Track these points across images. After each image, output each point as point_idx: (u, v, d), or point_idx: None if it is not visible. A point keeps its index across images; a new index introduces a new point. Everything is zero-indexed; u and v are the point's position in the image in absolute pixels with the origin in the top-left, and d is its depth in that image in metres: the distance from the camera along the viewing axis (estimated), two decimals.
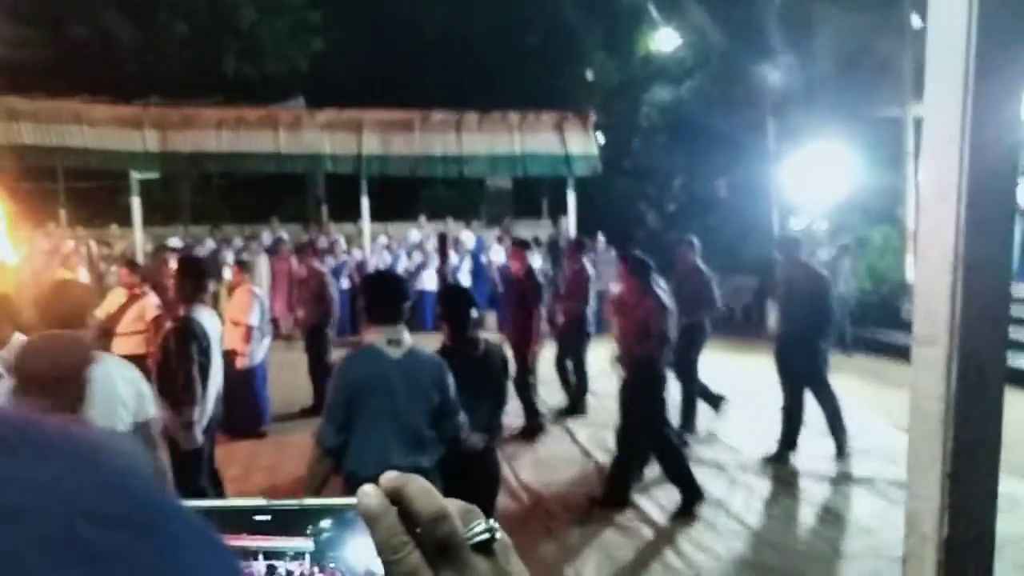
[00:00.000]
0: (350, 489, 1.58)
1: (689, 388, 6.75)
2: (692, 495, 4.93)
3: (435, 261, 11.52)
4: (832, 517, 4.85)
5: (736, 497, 5.21)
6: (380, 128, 11.57)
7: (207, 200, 16.22)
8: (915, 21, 11.30)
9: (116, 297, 7.02)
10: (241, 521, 0.51)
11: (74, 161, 11.08)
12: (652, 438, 5.06)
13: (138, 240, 11.09)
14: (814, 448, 6.15)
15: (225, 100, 12.16)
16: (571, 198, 12.14)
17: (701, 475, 5.63)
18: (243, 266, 7.59)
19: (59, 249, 10.98)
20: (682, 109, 14.94)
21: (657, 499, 5.19)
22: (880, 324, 10.92)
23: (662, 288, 5.38)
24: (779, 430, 5.98)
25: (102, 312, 6.99)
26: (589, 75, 17.43)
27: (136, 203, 11.08)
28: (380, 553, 0.44)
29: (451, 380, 2.98)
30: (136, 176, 11.06)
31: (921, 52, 1.92)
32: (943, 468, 1.79)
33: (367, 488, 0.47)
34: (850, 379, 9.01)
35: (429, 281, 11.90)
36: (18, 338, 4.56)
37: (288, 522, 0.51)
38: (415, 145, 11.63)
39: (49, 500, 0.23)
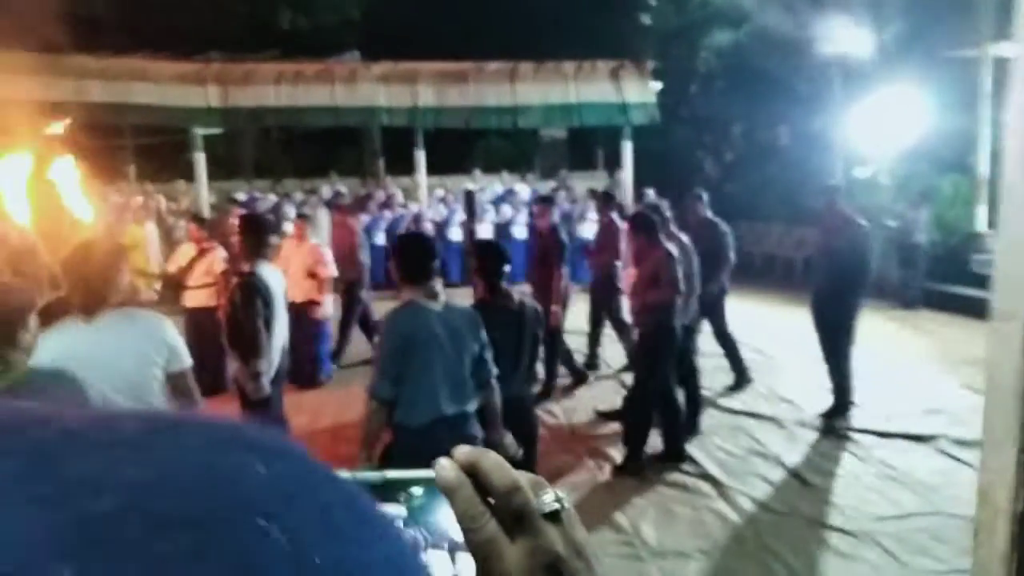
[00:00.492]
0: (399, 440, 1.70)
1: (727, 344, 6.74)
2: (633, 460, 4.98)
3: (490, 214, 11.56)
4: (894, 474, 4.81)
5: (795, 453, 5.21)
6: (435, 80, 11.53)
7: (268, 154, 16.50)
8: None
9: (186, 251, 7.28)
10: None
11: (140, 117, 11.40)
12: (637, 389, 5.11)
13: (203, 195, 11.42)
14: (876, 404, 6.08)
15: (281, 54, 12.26)
16: (627, 148, 11.94)
17: (760, 430, 5.65)
18: (304, 220, 7.77)
19: (130, 204, 11.43)
20: (741, 54, 14.38)
21: (713, 453, 5.24)
22: (948, 278, 10.55)
23: (680, 241, 5.34)
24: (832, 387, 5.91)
25: (173, 266, 7.30)
26: (646, 19, 16.87)
27: (200, 158, 11.36)
28: (459, 522, 0.48)
29: (483, 329, 3.16)
30: (199, 131, 11.32)
31: None
32: (1018, 442, 1.79)
33: (444, 462, 0.50)
34: (916, 335, 8.82)
35: (484, 234, 11.98)
36: None
37: (371, 493, 0.56)
38: (470, 96, 11.56)
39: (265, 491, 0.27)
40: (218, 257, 6.91)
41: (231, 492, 0.26)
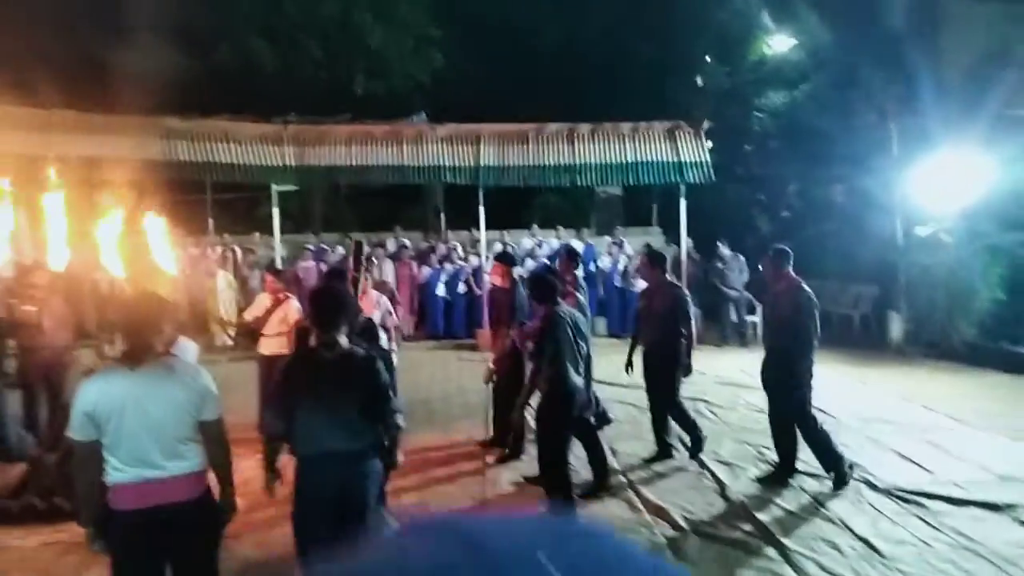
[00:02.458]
0: (301, 468, 2.92)
1: (660, 410, 6.41)
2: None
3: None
4: (968, 544, 4.68)
5: (861, 517, 5.13)
6: (496, 141, 12.01)
7: (336, 209, 17.33)
8: None
9: (262, 301, 7.65)
10: None
11: (222, 175, 12.15)
12: (543, 459, 5.09)
13: (277, 247, 12.02)
14: (946, 469, 5.97)
15: (354, 116, 12.98)
16: (683, 206, 12.12)
17: (823, 491, 5.59)
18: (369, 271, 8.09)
19: (206, 254, 12.07)
20: (797, 113, 14.56)
21: (775, 514, 5.21)
22: (1016, 339, 10.32)
23: (576, 299, 5.33)
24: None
25: (250, 315, 7.67)
26: (699, 81, 17.27)
27: (275, 213, 12.02)
28: None
29: (381, 375, 3.47)
30: (276, 188, 12.01)
31: None
32: None
33: None
34: (984, 396, 8.60)
35: None
36: (182, 340, 5.16)
37: None
38: (529, 156, 11.99)
39: None
40: (292, 307, 7.22)
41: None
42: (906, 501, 5.40)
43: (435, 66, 17.81)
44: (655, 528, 5.05)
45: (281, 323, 7.21)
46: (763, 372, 5.90)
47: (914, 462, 6.22)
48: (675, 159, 12.07)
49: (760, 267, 6.14)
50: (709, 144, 12.59)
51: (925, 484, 5.67)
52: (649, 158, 12.06)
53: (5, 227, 6.08)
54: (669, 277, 6.46)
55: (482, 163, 11.83)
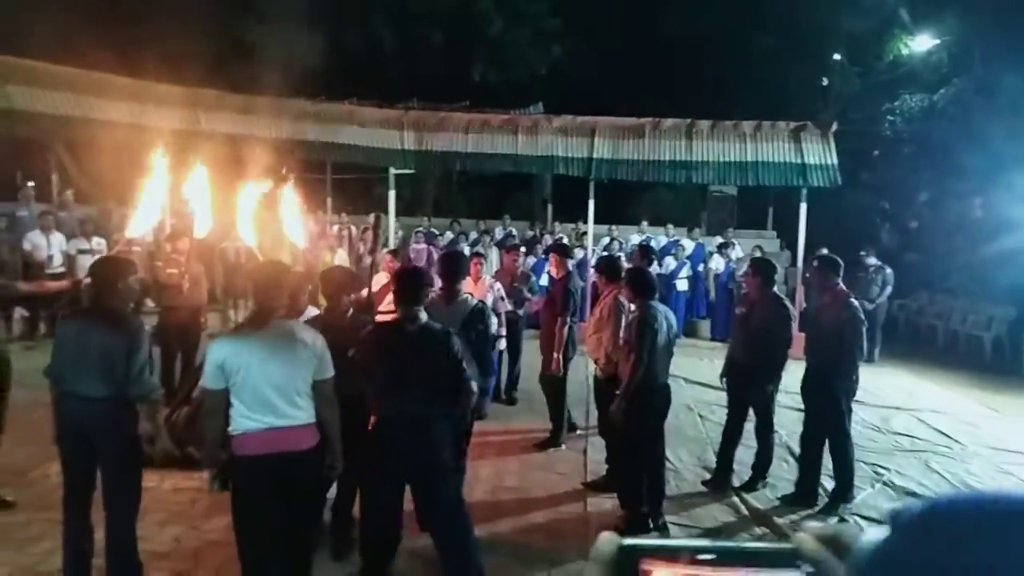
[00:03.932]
0: (378, 428, 3.32)
1: (761, 435, 5.86)
2: (635, 517, 4.82)
3: (654, 265, 11.59)
4: None
5: None
6: (612, 134, 11.91)
7: (447, 195, 17.76)
8: None
9: (379, 279, 7.95)
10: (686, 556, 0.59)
11: (344, 156, 12.70)
12: (627, 451, 4.98)
13: (392, 228, 12.44)
14: None
15: (472, 104, 13.25)
16: (803, 210, 11.60)
17: None
18: (479, 257, 8.33)
19: (325, 231, 12.63)
20: (934, 119, 13.66)
21: None
22: None
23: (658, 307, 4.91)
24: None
25: (366, 291, 7.99)
26: (824, 80, 16.49)
27: (391, 195, 12.44)
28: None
29: (458, 346, 3.68)
30: (393, 171, 12.42)
31: None
32: None
33: (804, 536, 0.59)
34: None
35: None
36: (311, 308, 5.42)
37: (732, 560, 0.58)
38: (644, 151, 11.81)
39: None
40: None
41: None
42: None
43: (553, 57, 17.91)
44: (762, 537, 4.92)
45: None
46: (803, 389, 5.60)
47: None
48: (799, 161, 11.58)
49: (807, 275, 5.83)
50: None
51: None
52: (771, 158, 11.62)
53: (157, 197, 6.56)
54: (776, 290, 5.88)
55: (595, 156, 11.76)
